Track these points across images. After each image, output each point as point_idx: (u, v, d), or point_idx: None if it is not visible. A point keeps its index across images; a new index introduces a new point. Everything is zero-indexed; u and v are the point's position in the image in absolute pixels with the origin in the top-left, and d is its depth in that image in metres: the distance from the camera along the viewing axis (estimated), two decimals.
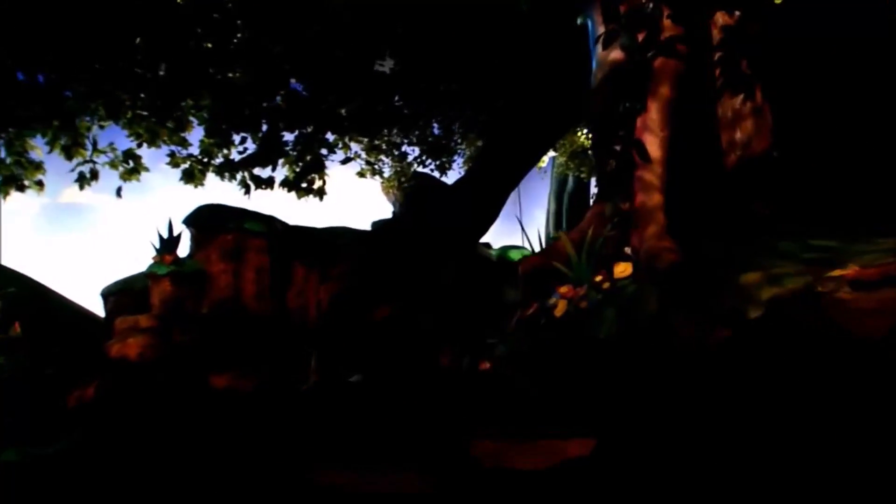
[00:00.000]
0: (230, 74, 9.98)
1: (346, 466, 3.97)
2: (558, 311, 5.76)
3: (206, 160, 11.05)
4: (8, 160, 10.09)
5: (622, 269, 5.68)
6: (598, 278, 5.72)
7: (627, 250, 5.81)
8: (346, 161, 12.04)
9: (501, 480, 3.66)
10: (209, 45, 9.40)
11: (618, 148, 6.29)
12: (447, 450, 4.15)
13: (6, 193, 10.61)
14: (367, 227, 12.71)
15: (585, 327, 5.25)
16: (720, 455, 3.43)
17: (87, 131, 10.10)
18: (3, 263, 10.57)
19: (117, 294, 9.96)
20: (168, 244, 9.85)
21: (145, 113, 9.80)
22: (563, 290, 5.96)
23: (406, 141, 12.90)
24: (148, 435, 5.86)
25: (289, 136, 11.22)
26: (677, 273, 4.78)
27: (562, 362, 5.19)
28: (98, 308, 10.30)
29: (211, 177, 11.47)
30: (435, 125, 13.12)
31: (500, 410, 5.17)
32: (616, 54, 6.64)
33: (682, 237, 5.46)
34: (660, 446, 3.75)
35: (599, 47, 6.90)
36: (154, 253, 9.61)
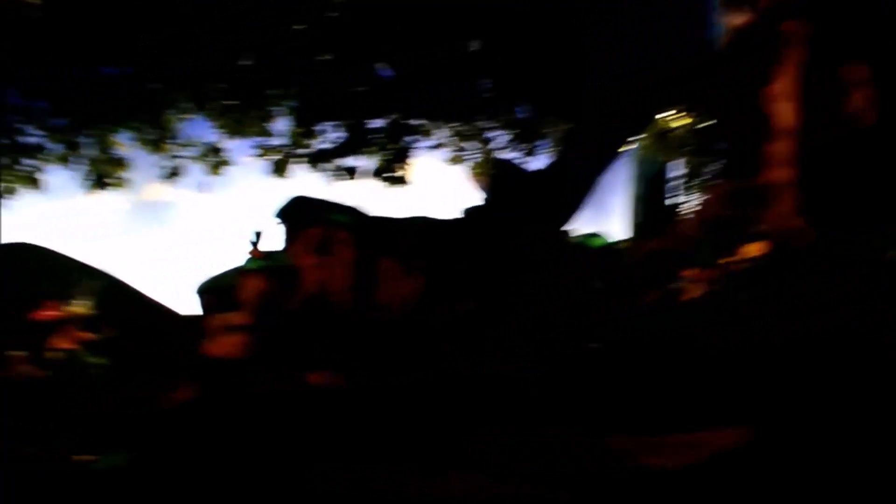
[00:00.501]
0: (316, 59, 9.59)
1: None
2: (688, 295, 5.26)
3: (292, 151, 10.72)
4: (95, 158, 9.95)
5: (752, 250, 5.17)
6: (727, 260, 5.21)
7: (756, 230, 5.28)
8: (434, 148, 11.56)
9: (643, 478, 3.32)
10: (295, 30, 9.05)
11: (744, 121, 5.71)
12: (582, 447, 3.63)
13: (93, 192, 10.51)
14: (450, 217, 12.23)
15: (723, 311, 4.72)
16: None
17: (173, 125, 9.85)
18: (90, 263, 10.36)
19: (210, 292, 9.71)
20: (258, 239, 9.55)
21: (232, 102, 9.49)
22: (690, 273, 5.44)
23: (492, 126, 12.35)
24: (247, 435, 5.56)
25: (375, 124, 10.81)
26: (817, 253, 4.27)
27: (698, 350, 4.64)
28: (185, 307, 10.08)
29: (294, 168, 11.16)
30: (520, 109, 12.53)
31: (626, 403, 4.60)
32: (742, 18, 6.00)
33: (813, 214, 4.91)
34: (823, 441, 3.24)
35: (724, 11, 6.27)
36: (247, 248, 9.31)
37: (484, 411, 5.03)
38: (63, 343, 6.70)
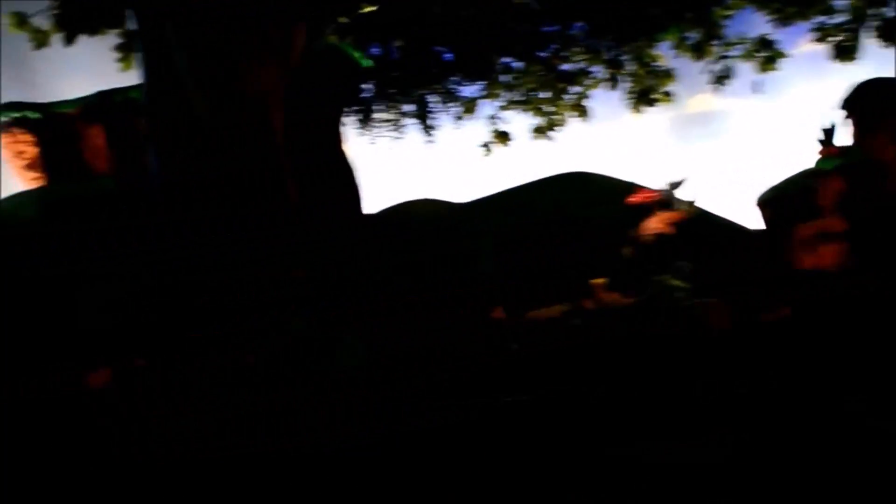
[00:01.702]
0: None
1: None
2: None
3: (860, 26, 8.76)
4: (638, 75, 9.50)
5: None
6: None
7: None
8: None
9: None
10: None
11: None
12: None
13: (639, 110, 10.13)
14: None
15: None
16: None
17: (719, 23, 8.78)
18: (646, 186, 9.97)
19: (773, 202, 8.45)
20: (830, 136, 7.95)
21: None
22: None
23: None
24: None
25: None
26: None
27: None
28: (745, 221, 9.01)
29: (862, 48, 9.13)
30: None
31: None
32: None
33: None
34: None
35: None
36: (816, 148, 7.83)
37: None
38: (656, 226, 6.31)
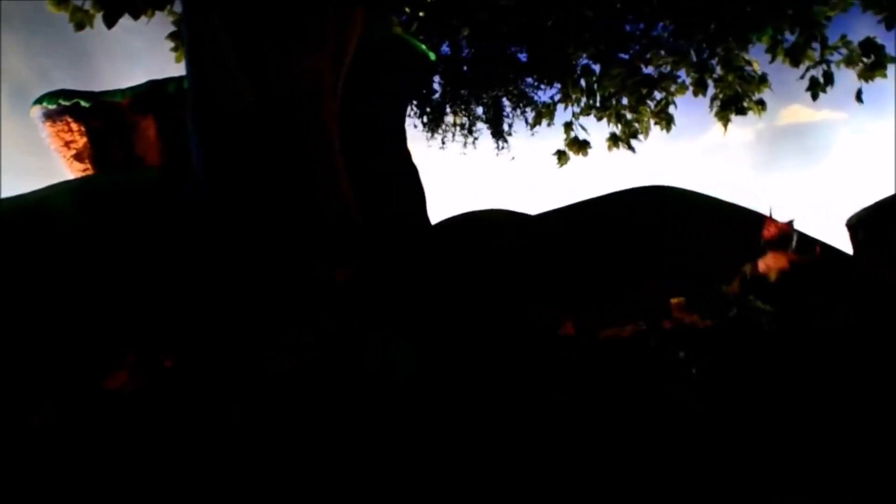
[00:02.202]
0: None
1: None
2: None
3: None
4: (726, 80, 8.73)
5: None
6: None
7: None
8: None
9: None
10: None
11: None
12: None
13: (726, 119, 9.35)
14: None
15: None
16: None
17: (824, 21, 7.94)
18: (734, 202, 9.17)
19: (864, 223, 7.61)
20: None
21: None
22: None
23: None
24: None
25: None
26: None
27: None
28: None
29: None
30: None
31: None
32: None
33: None
34: None
35: None
36: None
37: None
38: (777, 264, 5.62)
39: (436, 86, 10.13)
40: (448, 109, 10.45)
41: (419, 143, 11.09)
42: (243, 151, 5.07)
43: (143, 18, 5.85)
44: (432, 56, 6.74)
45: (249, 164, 5.06)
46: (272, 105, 4.93)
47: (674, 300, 6.77)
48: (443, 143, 10.90)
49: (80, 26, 5.84)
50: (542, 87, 10.02)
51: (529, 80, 9.96)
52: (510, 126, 10.67)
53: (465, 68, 9.88)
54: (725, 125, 9.27)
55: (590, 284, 7.21)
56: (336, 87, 5.31)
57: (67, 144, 6.72)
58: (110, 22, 5.29)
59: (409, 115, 10.42)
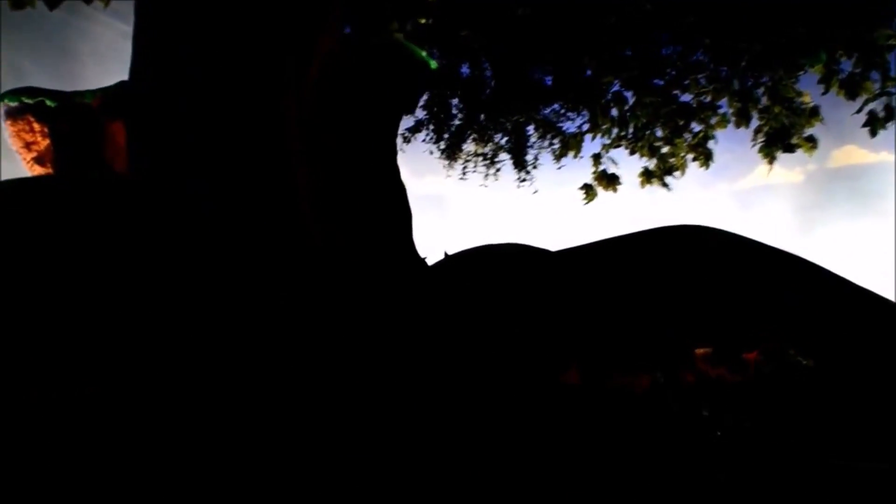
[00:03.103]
0: None
1: None
2: None
3: None
4: (775, 110, 7.78)
5: None
6: None
7: None
8: None
9: None
10: None
11: None
12: None
13: (771, 158, 8.39)
14: None
15: None
16: None
17: (886, 47, 6.97)
18: (778, 247, 8.24)
19: None
20: None
21: None
22: None
23: None
24: None
25: None
26: None
27: None
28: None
29: None
30: None
31: None
32: None
33: None
34: None
35: None
36: None
37: None
38: None
39: (454, 110, 9.39)
40: (467, 136, 9.69)
41: (438, 173, 10.38)
42: (188, 159, 4.38)
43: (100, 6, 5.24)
44: (433, 64, 6.01)
45: (194, 173, 4.36)
46: (218, 108, 4.22)
47: (699, 350, 5.98)
48: (463, 173, 10.15)
49: (17, 4, 5.27)
50: (570, 114, 9.19)
51: (556, 106, 9.15)
52: (535, 158, 9.86)
53: (486, 91, 9.14)
54: (771, 162, 8.32)
55: (603, 328, 6.51)
56: (301, 88, 4.57)
57: (28, 146, 6.13)
58: (53, 3, 4.67)
59: (425, 141, 9.72)
